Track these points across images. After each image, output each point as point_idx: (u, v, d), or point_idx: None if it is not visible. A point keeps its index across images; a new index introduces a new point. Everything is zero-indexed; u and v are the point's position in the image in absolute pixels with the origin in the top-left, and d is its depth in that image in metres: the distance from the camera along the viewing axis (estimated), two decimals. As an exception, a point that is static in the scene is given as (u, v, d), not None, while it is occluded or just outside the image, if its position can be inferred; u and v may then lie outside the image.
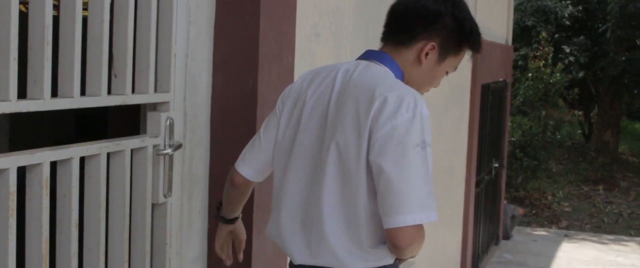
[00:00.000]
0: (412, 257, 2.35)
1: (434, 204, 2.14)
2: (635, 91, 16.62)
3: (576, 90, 14.97)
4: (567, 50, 15.82)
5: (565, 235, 10.79)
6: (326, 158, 2.20)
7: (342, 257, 2.27)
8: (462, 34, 2.33)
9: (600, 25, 15.67)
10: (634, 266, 8.79)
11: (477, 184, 7.51)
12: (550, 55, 13.03)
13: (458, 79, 5.95)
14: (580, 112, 19.32)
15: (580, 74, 15.99)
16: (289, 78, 2.67)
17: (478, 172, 7.44)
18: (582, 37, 16.29)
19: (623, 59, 15.49)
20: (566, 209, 13.48)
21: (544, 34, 13.39)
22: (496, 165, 8.69)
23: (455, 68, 2.44)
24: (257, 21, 2.45)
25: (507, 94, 9.05)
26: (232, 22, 2.47)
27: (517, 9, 15.41)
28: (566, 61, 15.46)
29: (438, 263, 5.85)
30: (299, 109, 2.31)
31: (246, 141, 2.46)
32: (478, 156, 7.27)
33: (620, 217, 12.76)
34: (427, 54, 2.32)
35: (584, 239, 10.20)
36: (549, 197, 13.67)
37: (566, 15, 15.83)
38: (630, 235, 11.48)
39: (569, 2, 16.15)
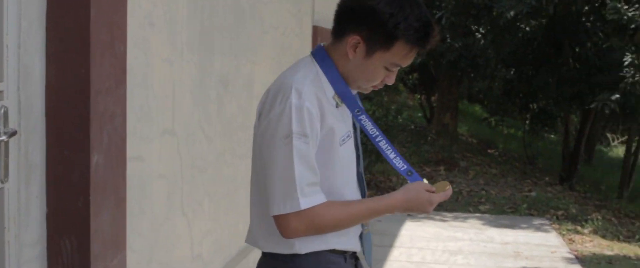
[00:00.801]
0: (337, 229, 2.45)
1: (297, 193, 2.27)
2: (472, 75, 17.33)
3: (415, 75, 15.46)
4: (406, 36, 16.25)
5: (409, 215, 11.22)
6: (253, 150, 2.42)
7: (261, 240, 2.46)
8: (389, 28, 2.32)
9: (436, 12, 16.24)
10: (472, 240, 9.26)
11: (321, 168, 7.72)
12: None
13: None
14: (420, 96, 20.00)
15: (420, 59, 16.56)
16: (122, 66, 2.77)
17: (321, 156, 7.63)
18: (420, 24, 16.82)
19: (459, 44, 16.13)
20: (410, 190, 13.94)
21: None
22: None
23: (395, 64, 2.41)
24: (87, 12, 2.54)
25: (348, 80, 9.32)
26: (62, 13, 2.56)
27: (358, -3, 15.76)
28: (405, 46, 15.90)
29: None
30: None
31: (80, 128, 2.56)
32: (320, 140, 7.45)
33: (460, 195, 13.31)
34: (355, 48, 2.36)
35: (426, 217, 10.63)
36: (394, 179, 14.12)
37: (405, 2, 16.28)
38: (469, 211, 12.02)
39: (407, -10, 16.61)
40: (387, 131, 12.98)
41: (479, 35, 16.73)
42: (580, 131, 15.98)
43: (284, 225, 2.30)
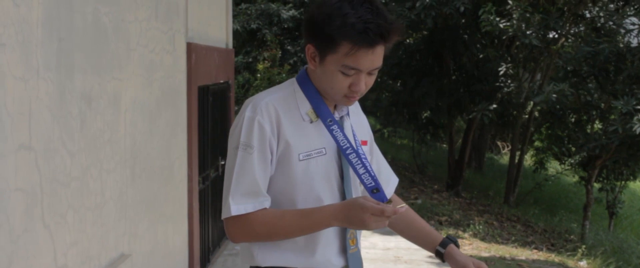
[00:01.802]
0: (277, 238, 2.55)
1: (229, 201, 2.44)
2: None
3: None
4: (292, 51, 16.60)
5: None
6: None
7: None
8: (327, 30, 2.40)
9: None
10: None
11: (204, 181, 7.80)
12: (278, 56, 13.67)
13: (170, 82, 6.27)
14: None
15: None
16: (-34, 85, 2.91)
17: (202, 170, 7.73)
18: (305, 39, 17.11)
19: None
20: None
21: (270, 36, 14.00)
22: (223, 162, 9.03)
23: (349, 67, 2.42)
24: None
25: (231, 95, 9.45)
26: None
27: (243, 13, 15.96)
28: (291, 61, 16.21)
29: (160, 256, 6.14)
30: None
31: None
32: (200, 154, 7.59)
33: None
34: (314, 58, 2.48)
35: (313, 227, 10.83)
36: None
37: (288, 18, 16.59)
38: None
39: (290, 5, 16.92)
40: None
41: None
42: (464, 140, 16.48)
43: (226, 229, 2.49)
